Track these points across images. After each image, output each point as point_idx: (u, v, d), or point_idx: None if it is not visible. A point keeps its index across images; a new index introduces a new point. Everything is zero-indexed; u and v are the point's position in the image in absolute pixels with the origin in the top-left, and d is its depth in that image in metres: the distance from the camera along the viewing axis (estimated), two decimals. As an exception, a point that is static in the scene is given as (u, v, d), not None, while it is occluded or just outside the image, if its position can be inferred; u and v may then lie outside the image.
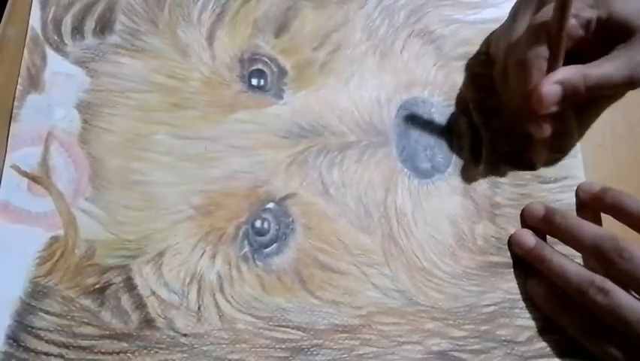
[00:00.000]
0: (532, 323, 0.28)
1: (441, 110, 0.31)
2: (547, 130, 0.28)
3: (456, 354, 0.27)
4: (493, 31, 0.32)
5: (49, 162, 0.27)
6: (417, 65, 0.31)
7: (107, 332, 0.25)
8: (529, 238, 0.28)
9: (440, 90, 0.31)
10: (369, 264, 0.28)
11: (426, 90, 0.31)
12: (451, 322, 0.27)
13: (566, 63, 0.26)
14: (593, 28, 0.26)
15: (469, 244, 0.29)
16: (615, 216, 0.28)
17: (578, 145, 0.31)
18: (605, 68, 0.26)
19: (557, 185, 0.31)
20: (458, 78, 0.32)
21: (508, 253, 0.29)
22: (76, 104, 0.28)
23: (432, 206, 0.29)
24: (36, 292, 0.25)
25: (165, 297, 0.26)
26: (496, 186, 0.30)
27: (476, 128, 0.31)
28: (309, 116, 0.29)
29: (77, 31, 0.29)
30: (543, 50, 0.26)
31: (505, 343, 0.27)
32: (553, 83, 0.26)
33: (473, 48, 0.32)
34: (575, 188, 0.30)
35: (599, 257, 0.26)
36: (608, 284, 0.25)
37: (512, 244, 0.29)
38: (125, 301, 0.25)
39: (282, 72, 0.30)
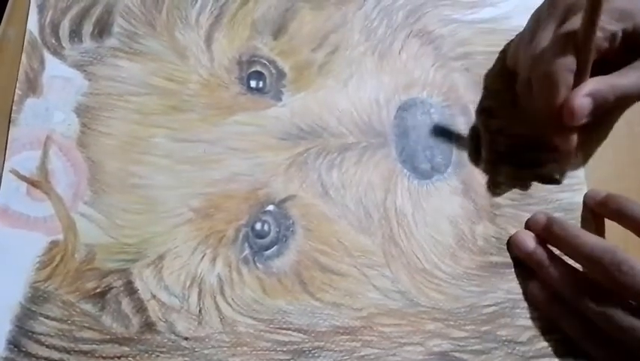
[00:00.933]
0: (533, 323, 0.28)
1: (440, 110, 0.31)
2: (574, 142, 0.28)
3: (457, 355, 0.27)
4: (511, 41, 0.32)
5: (48, 166, 0.27)
6: (415, 66, 0.31)
7: (108, 336, 0.25)
8: (529, 240, 0.28)
9: (439, 91, 0.31)
10: (369, 265, 0.28)
11: (425, 91, 0.31)
12: (451, 322, 0.27)
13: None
14: (618, 41, 0.26)
15: (469, 245, 0.29)
16: (619, 222, 0.28)
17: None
18: (632, 77, 0.26)
19: (557, 185, 0.31)
20: (457, 78, 0.32)
21: (509, 253, 0.29)
22: (75, 107, 0.28)
23: (432, 207, 0.29)
24: (36, 297, 0.25)
25: (166, 300, 0.26)
26: (496, 187, 0.30)
27: (476, 129, 0.31)
28: (308, 117, 0.29)
29: (75, 34, 0.29)
30: (570, 62, 0.26)
31: (506, 343, 0.27)
32: (584, 96, 0.26)
33: (472, 48, 0.32)
34: (575, 188, 0.30)
35: (597, 270, 0.25)
36: (629, 256, 0.24)
37: (512, 244, 0.29)
38: (126, 305, 0.25)
39: (281, 74, 0.30)
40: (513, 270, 0.29)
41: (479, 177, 0.30)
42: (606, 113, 0.27)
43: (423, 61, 0.32)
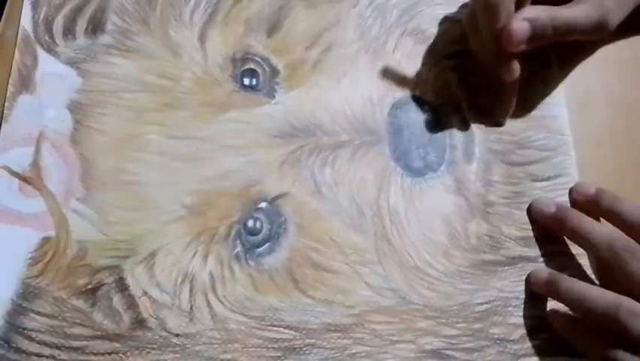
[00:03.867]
0: (525, 322, 0.28)
1: (433, 108, 0.31)
2: (516, 71, 0.28)
3: (449, 353, 0.27)
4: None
5: (41, 162, 0.27)
6: (409, 64, 0.31)
7: (99, 333, 0.25)
8: (542, 272, 0.28)
9: (432, 89, 0.31)
10: (361, 263, 0.28)
11: (418, 89, 0.31)
12: (443, 320, 0.27)
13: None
14: None
15: (462, 243, 0.29)
16: (611, 221, 0.28)
17: (571, 143, 0.31)
18: (574, 10, 0.26)
19: (550, 183, 0.30)
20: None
21: (502, 251, 0.29)
22: (68, 104, 0.28)
23: (425, 205, 0.29)
24: (27, 293, 0.25)
25: (157, 297, 0.26)
26: (489, 185, 0.30)
27: (469, 127, 0.31)
28: (301, 115, 0.29)
29: (69, 31, 0.29)
30: None
31: (497, 341, 0.27)
32: (522, 20, 0.26)
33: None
34: (568, 186, 0.30)
35: (611, 257, 0.25)
36: (637, 306, 0.24)
37: (529, 281, 0.28)
38: (117, 301, 0.25)
39: (274, 72, 0.30)
40: (505, 268, 0.29)
41: (472, 176, 0.30)
42: (571, 47, 0.27)
43: (417, 59, 0.32)
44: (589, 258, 0.28)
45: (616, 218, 0.27)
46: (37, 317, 0.25)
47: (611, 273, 0.25)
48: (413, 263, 0.28)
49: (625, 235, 0.25)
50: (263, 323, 0.26)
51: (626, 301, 0.24)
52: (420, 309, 0.27)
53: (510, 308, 0.28)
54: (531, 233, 0.29)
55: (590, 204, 0.29)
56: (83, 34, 0.29)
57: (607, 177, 0.30)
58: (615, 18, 0.26)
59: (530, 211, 0.29)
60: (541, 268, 0.28)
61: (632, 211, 0.27)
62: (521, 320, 0.28)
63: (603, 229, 0.26)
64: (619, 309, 0.24)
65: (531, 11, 0.26)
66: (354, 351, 0.26)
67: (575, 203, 0.30)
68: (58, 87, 0.28)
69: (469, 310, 0.28)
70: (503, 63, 0.28)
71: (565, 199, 0.30)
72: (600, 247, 0.26)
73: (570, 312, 0.27)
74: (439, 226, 0.29)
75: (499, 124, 0.30)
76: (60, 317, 0.25)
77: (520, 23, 0.26)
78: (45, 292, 0.25)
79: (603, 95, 0.31)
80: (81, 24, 0.29)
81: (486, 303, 0.28)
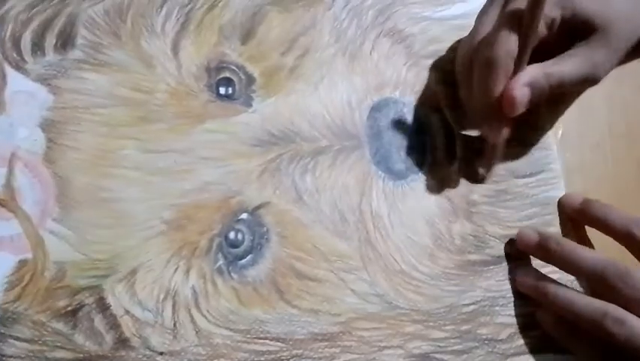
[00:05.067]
0: (512, 320, 0.28)
1: (413, 109, 0.31)
2: (505, 134, 0.27)
3: (438, 356, 0.27)
4: (461, 39, 0.31)
5: (14, 183, 0.26)
6: (387, 66, 0.31)
7: (81, 355, 0.24)
8: (528, 275, 0.28)
9: (411, 90, 0.31)
10: (346, 270, 0.27)
11: (397, 90, 0.31)
12: (431, 323, 0.27)
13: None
14: (556, 27, 0.26)
15: (446, 244, 0.29)
16: (600, 230, 0.28)
17: (552, 138, 0.31)
18: (566, 66, 0.26)
19: (533, 179, 0.30)
20: (429, 76, 0.31)
21: (487, 251, 0.29)
22: (40, 122, 0.27)
23: (408, 207, 0.29)
24: (5, 319, 0.24)
25: (139, 315, 0.25)
26: (472, 184, 0.30)
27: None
28: (280, 122, 0.29)
29: (38, 47, 0.29)
30: (513, 48, 0.25)
31: (486, 342, 0.27)
32: (523, 86, 0.25)
33: (443, 45, 0.32)
34: (551, 182, 0.30)
35: (600, 284, 0.25)
36: (622, 313, 0.24)
37: (515, 283, 0.28)
38: (99, 322, 0.25)
39: (250, 79, 0.30)
40: (491, 267, 0.29)
41: (454, 176, 0.30)
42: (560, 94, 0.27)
43: (394, 60, 0.31)
44: (578, 280, 0.28)
45: (605, 227, 0.27)
46: (16, 342, 0.24)
47: (602, 296, 0.25)
48: (398, 267, 0.28)
49: (613, 261, 0.25)
50: (249, 336, 0.26)
51: (612, 309, 0.24)
52: (407, 313, 0.27)
53: (497, 308, 0.28)
54: (515, 231, 0.29)
55: (578, 215, 0.29)
56: (53, 49, 0.29)
57: (607, 177, 0.30)
58: (603, 72, 0.27)
59: (516, 241, 0.29)
60: (526, 271, 0.28)
61: (621, 220, 0.27)
62: (509, 319, 0.28)
63: (590, 255, 0.26)
64: (605, 317, 0.24)
65: (529, 74, 0.25)
66: (342, 360, 0.26)
67: (563, 215, 0.29)
68: (29, 105, 0.28)
69: (456, 312, 0.28)
70: (493, 125, 0.27)
71: (547, 195, 0.30)
72: (590, 276, 0.26)
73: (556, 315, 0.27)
74: (422, 228, 0.29)
75: (481, 179, 0.29)
76: (40, 341, 0.24)
77: (522, 90, 0.25)
78: (23, 317, 0.24)
79: (603, 95, 0.31)
80: (50, 39, 0.29)
81: (473, 304, 0.28)
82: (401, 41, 0.32)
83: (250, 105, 0.29)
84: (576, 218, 0.29)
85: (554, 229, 0.30)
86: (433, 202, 0.29)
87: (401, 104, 0.31)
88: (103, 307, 0.25)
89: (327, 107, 0.30)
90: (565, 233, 0.29)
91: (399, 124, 0.30)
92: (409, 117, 0.30)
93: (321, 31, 0.31)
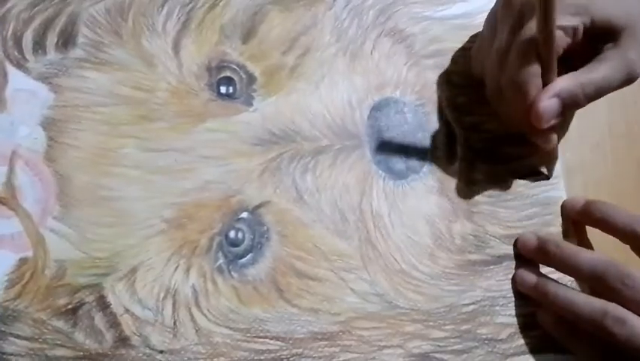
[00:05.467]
0: (512, 320, 0.28)
1: (414, 109, 0.31)
2: (554, 140, 0.28)
3: (437, 356, 0.27)
4: (472, 49, 0.31)
5: (15, 182, 0.26)
6: (388, 65, 0.31)
7: (82, 353, 0.24)
8: (530, 275, 0.28)
9: (412, 89, 0.31)
10: (346, 269, 0.27)
11: (398, 90, 0.31)
12: (431, 323, 0.27)
13: (558, 70, 0.26)
14: (580, 36, 0.26)
15: (447, 244, 0.29)
16: (604, 230, 0.28)
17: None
18: (601, 71, 0.26)
19: (533, 180, 0.30)
20: (430, 76, 0.31)
21: (487, 251, 0.29)
22: (41, 121, 0.27)
23: (408, 207, 0.29)
24: (5, 317, 0.24)
25: (139, 314, 0.25)
26: (473, 184, 0.30)
27: (450, 126, 0.31)
28: (280, 121, 0.29)
29: (39, 46, 0.29)
30: (535, 69, 0.25)
31: (486, 341, 0.27)
32: (549, 98, 0.25)
33: (444, 45, 0.32)
34: (551, 182, 0.30)
35: (600, 285, 0.25)
36: (623, 312, 0.24)
37: (515, 283, 0.28)
38: (99, 320, 0.25)
39: (251, 78, 0.30)
40: (491, 267, 0.29)
41: (455, 175, 0.30)
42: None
43: (395, 60, 0.31)
44: (578, 282, 0.28)
45: (608, 226, 0.27)
46: (16, 340, 0.24)
47: (603, 297, 0.25)
48: (398, 267, 0.28)
49: (613, 262, 0.25)
50: (248, 334, 0.26)
51: (612, 308, 0.24)
52: (407, 313, 0.27)
53: (497, 308, 0.28)
54: (516, 231, 0.29)
55: (581, 217, 0.29)
56: (54, 48, 0.29)
57: (607, 177, 0.30)
58: (639, 67, 0.26)
59: (515, 246, 0.29)
60: (526, 271, 0.28)
61: (625, 219, 0.27)
62: (509, 319, 0.28)
63: (590, 257, 0.26)
64: (605, 316, 0.24)
65: (559, 85, 0.25)
66: (341, 359, 0.26)
67: (566, 219, 0.29)
68: (30, 104, 0.28)
69: (456, 312, 0.28)
70: (540, 135, 0.27)
71: (547, 195, 0.30)
72: (590, 277, 0.26)
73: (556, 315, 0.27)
74: (423, 228, 0.29)
75: (545, 177, 0.30)
76: (40, 339, 0.24)
77: (548, 102, 0.25)
78: (24, 315, 0.25)
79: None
80: (51, 38, 0.29)
81: (473, 303, 0.28)
82: (402, 41, 0.32)
83: (251, 104, 0.29)
84: (579, 220, 0.29)
85: (554, 229, 0.30)
86: (434, 202, 0.29)
87: (402, 104, 0.31)
88: (103, 305, 0.25)
89: (328, 107, 0.30)
90: (567, 237, 0.29)
91: (399, 124, 0.30)
92: (409, 117, 0.30)
93: (322, 31, 0.31)
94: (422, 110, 0.31)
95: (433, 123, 0.31)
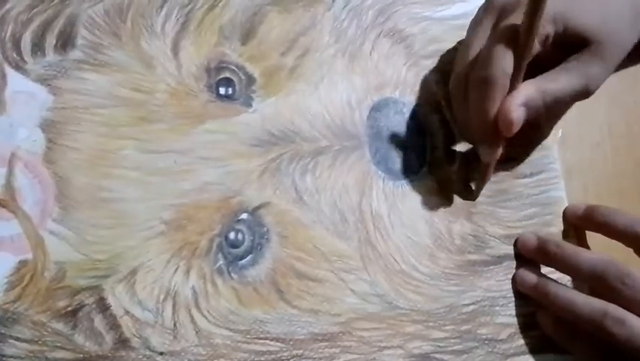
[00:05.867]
0: (512, 321, 0.28)
1: (413, 109, 0.31)
2: (498, 154, 0.27)
3: (437, 356, 0.27)
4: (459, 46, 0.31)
5: (14, 184, 0.26)
6: (387, 66, 0.31)
7: (81, 355, 0.24)
8: (530, 275, 0.28)
9: (411, 90, 0.31)
10: (346, 270, 0.27)
11: (397, 90, 0.31)
12: (431, 323, 0.27)
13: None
14: (549, 43, 0.26)
15: (446, 244, 0.29)
16: (606, 234, 0.28)
17: (552, 138, 0.31)
18: (560, 82, 0.25)
19: (533, 180, 0.30)
20: (429, 76, 0.31)
21: (487, 251, 0.29)
22: (40, 123, 0.27)
23: (408, 207, 0.29)
24: (5, 319, 0.24)
25: (139, 316, 0.25)
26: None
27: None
28: (280, 122, 0.29)
29: (38, 48, 0.29)
30: (508, 66, 0.24)
31: (486, 342, 0.27)
32: (519, 106, 0.25)
33: (443, 45, 0.32)
34: (552, 182, 0.30)
35: (600, 285, 0.25)
36: (622, 313, 0.24)
37: (515, 283, 0.28)
38: (99, 322, 0.25)
39: (251, 79, 0.30)
40: (491, 267, 0.29)
41: (454, 176, 0.30)
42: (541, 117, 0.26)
43: (394, 60, 0.31)
44: (578, 282, 0.28)
45: (610, 230, 0.27)
46: (16, 343, 0.24)
47: (603, 297, 0.25)
48: (398, 267, 0.28)
49: (613, 261, 0.25)
50: (249, 336, 0.26)
51: (612, 309, 0.24)
52: (407, 313, 0.27)
53: (497, 308, 0.28)
54: (515, 231, 0.29)
55: (582, 222, 0.29)
56: (53, 50, 0.29)
57: (607, 177, 0.30)
58: (596, 85, 0.26)
59: (515, 246, 0.29)
60: (526, 272, 0.28)
61: (627, 221, 0.27)
62: (509, 319, 0.28)
63: (590, 256, 0.26)
64: (605, 317, 0.24)
65: (524, 93, 0.25)
66: (342, 360, 0.26)
67: (568, 225, 0.29)
68: (29, 106, 0.28)
69: (456, 312, 0.28)
70: (488, 144, 0.27)
71: (548, 195, 0.30)
72: (590, 277, 0.26)
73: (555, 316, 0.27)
74: (422, 228, 0.29)
75: (472, 197, 0.29)
76: (40, 342, 0.24)
77: (518, 110, 0.25)
78: (24, 317, 0.24)
79: (603, 95, 0.31)
80: (50, 40, 0.29)
81: (473, 304, 0.28)
82: (401, 41, 0.32)
83: (250, 105, 0.29)
84: (581, 225, 0.29)
85: (554, 229, 0.30)
86: (433, 202, 0.29)
87: (401, 104, 0.31)
88: (103, 307, 0.25)
89: (327, 108, 0.30)
90: (567, 240, 0.29)
91: (399, 124, 0.30)
92: (408, 117, 0.30)
93: (321, 32, 0.31)
94: (421, 110, 0.31)
95: (432, 124, 0.31)
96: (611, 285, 0.25)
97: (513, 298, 0.28)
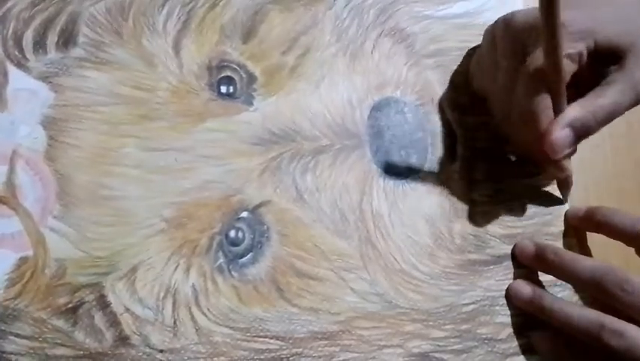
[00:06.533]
0: (512, 320, 0.28)
1: (414, 109, 0.31)
2: (568, 168, 0.27)
3: (437, 355, 0.27)
4: (471, 63, 0.31)
5: (15, 181, 0.26)
6: (388, 65, 0.31)
7: (82, 352, 0.24)
8: (524, 288, 0.27)
9: (412, 89, 0.31)
10: (346, 269, 0.28)
11: (398, 90, 0.31)
12: (431, 323, 0.27)
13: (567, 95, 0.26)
14: (585, 60, 0.26)
15: (447, 243, 0.29)
16: (607, 234, 0.27)
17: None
18: (610, 96, 0.25)
19: (533, 180, 0.30)
20: (430, 76, 0.31)
21: (487, 251, 0.29)
22: (41, 120, 0.27)
23: (408, 207, 0.29)
24: (5, 316, 0.24)
25: (140, 313, 0.25)
26: (472, 183, 0.30)
27: (450, 126, 0.31)
28: (281, 121, 0.29)
29: (39, 45, 0.29)
30: (545, 101, 0.25)
31: (486, 341, 0.27)
32: (562, 128, 0.25)
33: (445, 44, 0.32)
34: (551, 182, 0.30)
35: (599, 292, 0.25)
36: (620, 324, 0.24)
37: (510, 297, 0.28)
38: (99, 319, 0.25)
39: (252, 78, 0.30)
40: (491, 267, 0.29)
41: (455, 175, 0.30)
42: None
43: (395, 60, 0.31)
44: (576, 290, 0.28)
45: (612, 230, 0.27)
46: (16, 339, 0.24)
47: (603, 303, 0.25)
48: (398, 266, 0.28)
49: (611, 268, 0.25)
50: (249, 334, 0.26)
51: (609, 321, 0.24)
52: (407, 312, 0.27)
53: (497, 307, 0.28)
54: (516, 231, 0.29)
55: (583, 223, 0.29)
56: (55, 47, 0.29)
57: (606, 177, 0.30)
58: None
59: (512, 253, 0.29)
60: (522, 284, 0.28)
61: (628, 221, 0.26)
62: (509, 319, 0.28)
63: (588, 264, 0.26)
64: (602, 329, 0.24)
65: (570, 114, 0.25)
66: (341, 358, 0.26)
67: (569, 228, 0.29)
68: (31, 103, 0.28)
69: (456, 312, 0.28)
70: (554, 164, 0.27)
71: (550, 195, 0.30)
72: (589, 284, 0.26)
73: (554, 334, 0.27)
74: (423, 227, 0.29)
75: (561, 202, 0.30)
76: (41, 338, 0.24)
77: (561, 132, 0.25)
78: (24, 314, 0.25)
79: None
80: (52, 37, 0.29)
81: (473, 303, 0.28)
82: (402, 41, 0.32)
83: (251, 104, 0.29)
84: (582, 226, 0.29)
85: (554, 229, 0.30)
86: (434, 202, 0.29)
87: (402, 104, 0.31)
88: (103, 304, 0.25)
89: (328, 107, 0.30)
90: (568, 246, 0.29)
91: (400, 123, 0.30)
92: (409, 117, 0.30)
93: (323, 31, 0.31)
94: (422, 110, 0.31)
95: (433, 123, 0.31)
96: (610, 292, 0.25)
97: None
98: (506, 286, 0.28)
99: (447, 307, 0.28)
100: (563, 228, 0.30)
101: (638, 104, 0.26)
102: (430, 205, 0.29)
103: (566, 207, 0.30)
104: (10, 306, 0.25)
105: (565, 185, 0.29)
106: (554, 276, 0.28)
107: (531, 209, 0.30)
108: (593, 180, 0.30)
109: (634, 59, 0.25)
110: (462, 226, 0.29)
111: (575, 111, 0.25)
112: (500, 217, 0.29)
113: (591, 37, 0.25)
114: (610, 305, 0.25)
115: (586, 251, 0.29)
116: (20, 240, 0.26)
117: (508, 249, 0.29)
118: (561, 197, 0.30)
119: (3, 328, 0.24)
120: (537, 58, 0.25)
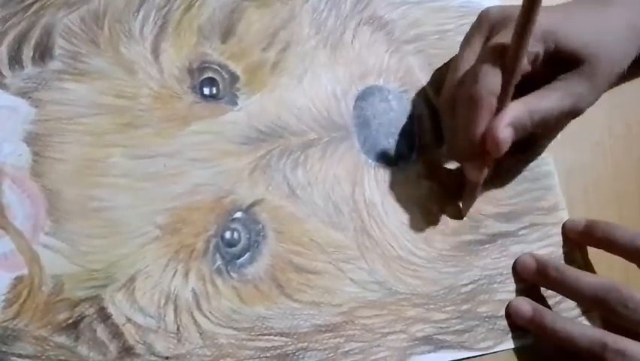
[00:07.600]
0: (511, 296, 0.28)
1: (398, 96, 0.31)
2: (484, 174, 0.27)
3: (440, 337, 0.27)
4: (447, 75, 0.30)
5: (3, 200, 0.26)
6: (369, 54, 0.31)
7: (87, 366, 0.24)
8: (525, 306, 0.27)
9: (395, 76, 0.31)
10: (344, 260, 0.28)
11: (381, 78, 0.31)
12: (432, 306, 0.28)
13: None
14: (539, 62, 0.25)
15: (441, 227, 0.29)
16: (607, 250, 0.27)
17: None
18: (548, 101, 0.25)
19: (521, 156, 0.31)
20: (412, 61, 0.31)
21: (481, 230, 0.29)
22: (24, 137, 0.27)
23: (400, 193, 0.29)
24: (5, 337, 0.24)
25: (142, 322, 0.25)
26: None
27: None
28: (267, 118, 0.29)
29: (15, 61, 0.28)
30: (496, 85, 0.24)
31: (486, 319, 0.28)
32: (506, 126, 0.24)
33: (424, 29, 0.32)
34: (540, 158, 0.31)
35: (602, 309, 0.25)
36: (623, 343, 0.24)
37: (510, 315, 0.28)
38: (101, 332, 0.25)
39: (234, 78, 0.29)
40: (486, 246, 0.29)
41: (444, 159, 0.30)
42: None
43: (376, 48, 0.31)
44: (579, 306, 0.28)
45: (612, 246, 0.27)
46: (18, 360, 0.24)
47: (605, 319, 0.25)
48: (395, 253, 0.28)
49: (615, 285, 0.25)
50: (253, 333, 0.26)
51: (611, 340, 0.24)
52: (407, 298, 0.28)
53: (495, 285, 0.28)
54: (508, 208, 0.30)
55: (583, 238, 0.29)
56: (31, 62, 0.28)
57: (606, 177, 0.31)
58: (586, 105, 0.26)
59: (514, 268, 0.29)
60: (522, 302, 0.28)
61: (628, 236, 0.26)
62: (507, 295, 0.28)
63: (592, 281, 0.26)
64: (605, 349, 0.24)
65: (511, 113, 0.25)
66: (346, 349, 0.26)
67: (568, 241, 0.29)
68: (11, 120, 0.27)
69: (455, 293, 0.28)
70: (476, 164, 0.26)
71: (539, 170, 0.30)
72: (592, 302, 0.26)
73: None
74: (416, 212, 0.29)
75: (460, 217, 0.29)
76: (44, 356, 0.24)
77: (505, 130, 0.24)
78: (24, 333, 0.24)
79: (603, 95, 0.30)
80: (27, 52, 0.28)
81: (471, 283, 0.28)
82: (381, 28, 0.32)
83: (235, 104, 0.29)
84: (582, 241, 0.29)
85: (545, 203, 0.30)
86: (425, 187, 0.29)
87: (386, 91, 0.31)
88: (104, 316, 0.25)
89: (313, 100, 0.30)
90: (570, 259, 0.29)
91: (385, 111, 0.30)
92: (394, 104, 0.31)
93: (301, 24, 0.31)
94: (406, 96, 0.31)
95: (418, 108, 0.31)
96: (613, 309, 0.25)
97: (510, 275, 0.29)
98: (502, 263, 0.29)
99: (446, 289, 0.28)
100: (553, 202, 0.30)
101: (571, 117, 0.27)
102: (422, 190, 0.29)
103: (555, 179, 0.30)
104: (9, 327, 0.24)
105: (472, 194, 0.28)
106: (557, 292, 0.28)
107: (522, 185, 0.30)
108: (593, 180, 0.30)
109: (586, 71, 0.25)
110: (454, 207, 0.29)
111: (515, 111, 0.25)
112: (492, 196, 0.30)
113: (552, 41, 0.25)
114: (614, 322, 0.25)
115: (587, 264, 0.29)
116: (13, 259, 0.25)
117: (501, 227, 0.29)
118: (461, 212, 0.29)
119: (4, 349, 0.24)
120: (499, 39, 0.24)
